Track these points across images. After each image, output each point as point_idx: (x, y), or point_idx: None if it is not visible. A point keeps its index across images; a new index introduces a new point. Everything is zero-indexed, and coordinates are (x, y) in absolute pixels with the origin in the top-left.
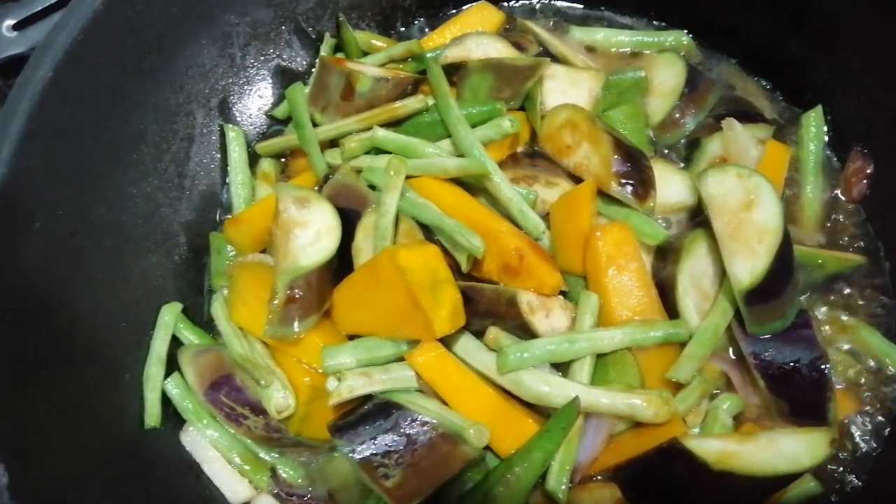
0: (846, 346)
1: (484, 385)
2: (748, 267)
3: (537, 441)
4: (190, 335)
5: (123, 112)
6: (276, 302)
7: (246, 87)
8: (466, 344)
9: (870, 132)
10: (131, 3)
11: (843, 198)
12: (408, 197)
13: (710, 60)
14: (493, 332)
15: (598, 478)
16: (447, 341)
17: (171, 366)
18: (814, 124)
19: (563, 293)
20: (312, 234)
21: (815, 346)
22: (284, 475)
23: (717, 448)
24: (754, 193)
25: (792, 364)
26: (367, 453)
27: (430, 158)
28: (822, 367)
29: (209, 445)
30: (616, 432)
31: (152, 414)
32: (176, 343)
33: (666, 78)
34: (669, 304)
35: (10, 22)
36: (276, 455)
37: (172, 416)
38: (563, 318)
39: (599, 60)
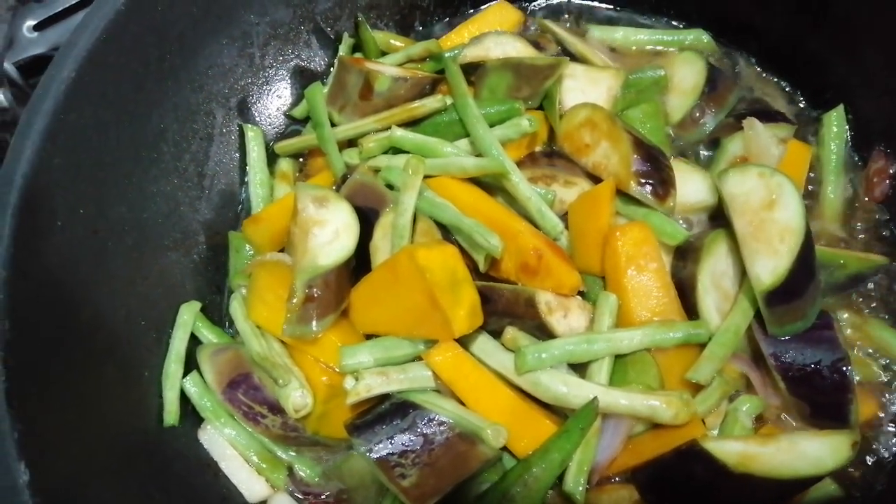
0: (868, 348)
1: (501, 385)
2: (769, 267)
3: (555, 442)
4: (209, 334)
5: (144, 111)
6: (294, 301)
7: (265, 86)
8: (484, 344)
9: (892, 131)
10: (153, 3)
11: (865, 198)
12: (426, 196)
13: (729, 59)
14: (511, 332)
15: (617, 479)
16: (464, 341)
17: (190, 364)
18: (835, 123)
19: (581, 293)
20: (331, 233)
21: (837, 347)
22: (301, 474)
23: (737, 450)
24: (776, 193)
25: (813, 365)
26: (384, 452)
27: (449, 158)
28: (844, 368)
29: (227, 444)
30: (635, 433)
31: (171, 412)
32: (195, 341)
33: (686, 76)
34: (689, 304)
35: (31, 22)
36: (294, 454)
37: (191, 415)
38: (582, 319)
39: (619, 59)
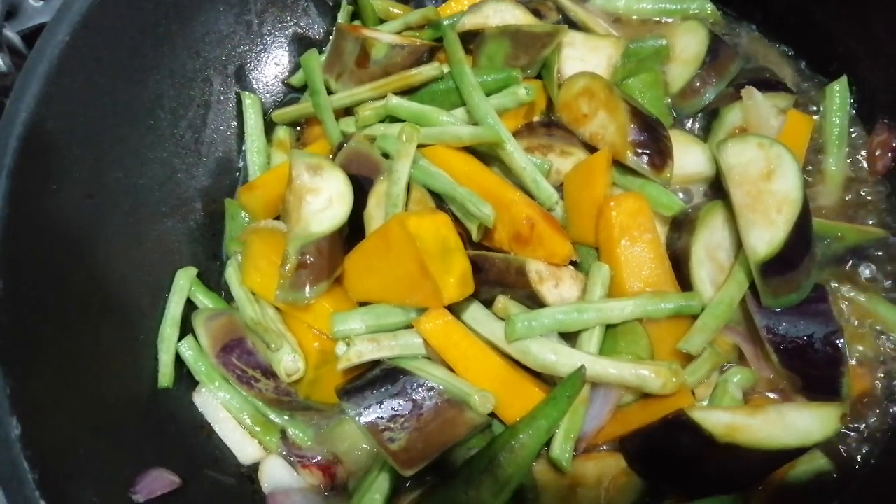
0: (865, 322)
1: (491, 353)
2: (766, 238)
3: (543, 409)
4: (204, 299)
5: (140, 77)
6: (287, 267)
7: (263, 54)
8: (475, 312)
9: None
10: None
11: (867, 171)
12: (420, 165)
13: (733, 28)
14: (502, 301)
15: (605, 448)
16: (456, 309)
17: (186, 329)
18: (838, 95)
19: (575, 264)
20: (324, 200)
21: (831, 320)
22: (294, 437)
23: (724, 421)
24: (775, 163)
25: (806, 338)
26: (374, 417)
27: (444, 126)
28: (837, 341)
29: (221, 407)
30: (624, 403)
31: (165, 374)
32: (191, 307)
33: (688, 45)
34: (683, 276)
35: None
36: (287, 418)
37: (185, 377)
38: (574, 289)
39: (621, 28)
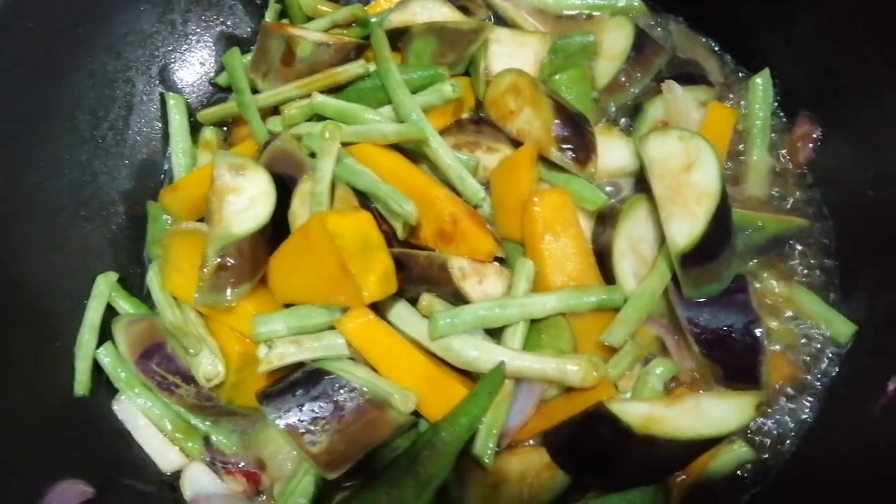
0: (787, 311)
1: (414, 351)
2: (686, 229)
3: (464, 406)
4: (125, 304)
5: (58, 78)
6: (206, 270)
7: (188, 53)
8: (401, 311)
9: (817, 97)
10: None
11: (789, 162)
12: (345, 163)
13: (660, 22)
14: (427, 299)
15: (530, 442)
16: (381, 308)
17: (106, 335)
18: (761, 88)
19: (501, 260)
20: (246, 200)
21: (750, 310)
22: (217, 443)
23: (642, 412)
24: (694, 155)
25: (726, 328)
26: (293, 420)
27: (369, 124)
28: (756, 331)
29: (141, 414)
30: (548, 397)
31: (82, 382)
32: (114, 313)
33: (615, 41)
34: (608, 270)
35: None
36: (210, 423)
37: (105, 385)
38: (498, 285)
39: (550, 24)
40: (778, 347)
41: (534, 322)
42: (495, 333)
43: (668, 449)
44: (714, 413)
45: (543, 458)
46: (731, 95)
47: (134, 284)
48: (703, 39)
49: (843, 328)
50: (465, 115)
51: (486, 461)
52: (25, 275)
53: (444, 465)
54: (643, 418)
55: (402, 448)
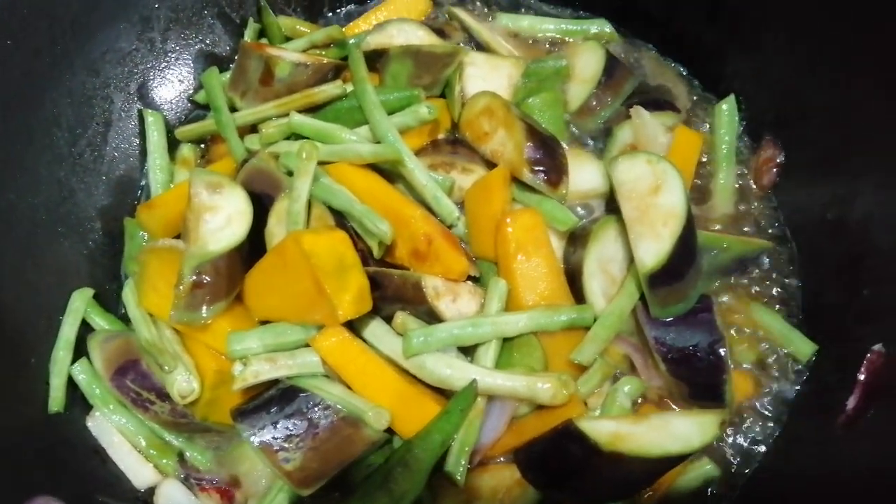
0: (749, 330)
1: (388, 369)
2: (653, 250)
3: (436, 423)
4: (101, 321)
5: (36, 95)
6: (181, 287)
7: (167, 71)
8: (376, 329)
9: (781, 121)
10: None
11: (754, 185)
12: (322, 182)
13: (631, 49)
14: (401, 317)
15: (501, 459)
16: (356, 326)
17: (82, 352)
18: (726, 113)
19: (475, 279)
20: (223, 219)
21: (715, 329)
22: (192, 460)
23: (609, 429)
24: (661, 178)
25: (691, 348)
26: (268, 437)
27: (346, 144)
28: (720, 350)
29: (115, 430)
30: (520, 415)
31: (56, 398)
32: (88, 329)
33: (587, 65)
34: (578, 289)
35: None
36: (184, 440)
37: (80, 401)
38: (472, 304)
39: (524, 48)
40: (742, 366)
41: (506, 340)
42: (468, 351)
43: (636, 465)
44: (680, 430)
45: (514, 474)
46: (700, 120)
47: (110, 301)
48: (673, 65)
49: (804, 347)
50: (440, 136)
51: (458, 478)
52: (2, 291)
53: (418, 482)
54: (611, 436)
55: (375, 465)
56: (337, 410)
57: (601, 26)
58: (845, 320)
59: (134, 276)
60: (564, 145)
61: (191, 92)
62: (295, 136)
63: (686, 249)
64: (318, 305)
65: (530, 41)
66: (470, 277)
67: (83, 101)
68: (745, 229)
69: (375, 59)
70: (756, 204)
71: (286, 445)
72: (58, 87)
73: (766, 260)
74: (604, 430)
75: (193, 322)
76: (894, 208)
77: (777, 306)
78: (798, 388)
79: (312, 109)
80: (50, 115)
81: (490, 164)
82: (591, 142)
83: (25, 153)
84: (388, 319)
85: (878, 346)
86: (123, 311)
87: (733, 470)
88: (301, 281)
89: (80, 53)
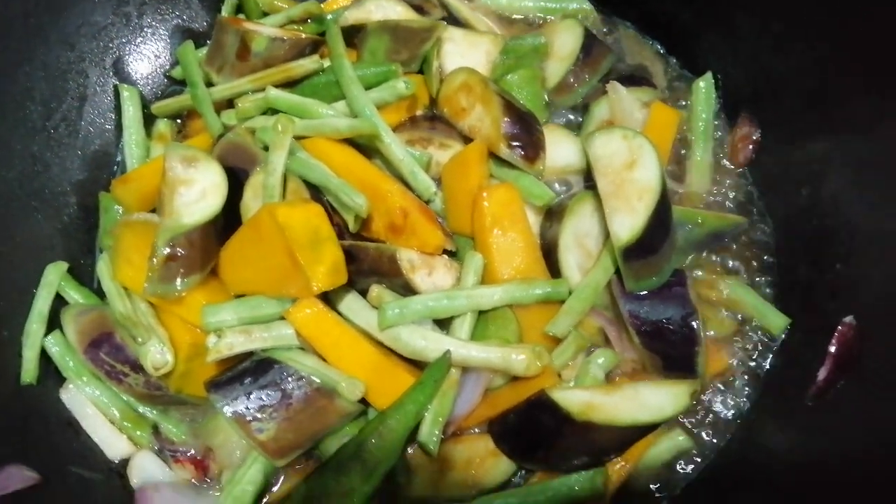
0: (723, 304)
1: (363, 341)
2: (627, 224)
3: (410, 394)
4: (75, 294)
5: (9, 69)
6: (155, 259)
7: (143, 46)
8: (352, 303)
9: (757, 98)
10: None
11: (730, 162)
12: (298, 157)
13: (610, 27)
14: (377, 290)
15: (476, 431)
16: (332, 300)
17: (56, 325)
18: (703, 90)
19: (452, 254)
20: (197, 192)
21: (688, 303)
22: (166, 432)
23: (581, 399)
24: (637, 154)
25: (665, 321)
26: (241, 408)
27: (323, 119)
28: (693, 322)
29: (89, 403)
30: (494, 387)
31: (28, 370)
32: (62, 302)
33: (565, 42)
34: (554, 264)
35: None
36: (158, 412)
37: (53, 374)
38: (448, 278)
39: (504, 26)
40: (715, 339)
41: (482, 314)
42: (444, 325)
43: (607, 434)
44: (650, 400)
45: (489, 445)
46: (677, 99)
47: (85, 275)
48: (651, 43)
49: (777, 321)
50: (418, 112)
51: (431, 448)
52: None
53: (392, 452)
54: (583, 405)
55: (350, 436)
56: (311, 381)
57: (580, 3)
58: (817, 295)
59: (108, 250)
60: (542, 122)
61: (167, 67)
62: (272, 111)
63: (660, 223)
64: (293, 278)
65: (510, 18)
66: (447, 252)
67: (57, 74)
68: (720, 205)
69: (353, 35)
70: (731, 180)
71: (259, 416)
72: (31, 61)
73: (741, 235)
74: (576, 399)
75: (167, 294)
76: (866, 185)
77: (751, 280)
78: (770, 360)
79: (289, 85)
80: (23, 89)
81: (468, 141)
82: (569, 118)
83: None
84: (364, 293)
85: (848, 319)
86: (98, 285)
87: (704, 441)
88: (275, 254)
89: (55, 27)
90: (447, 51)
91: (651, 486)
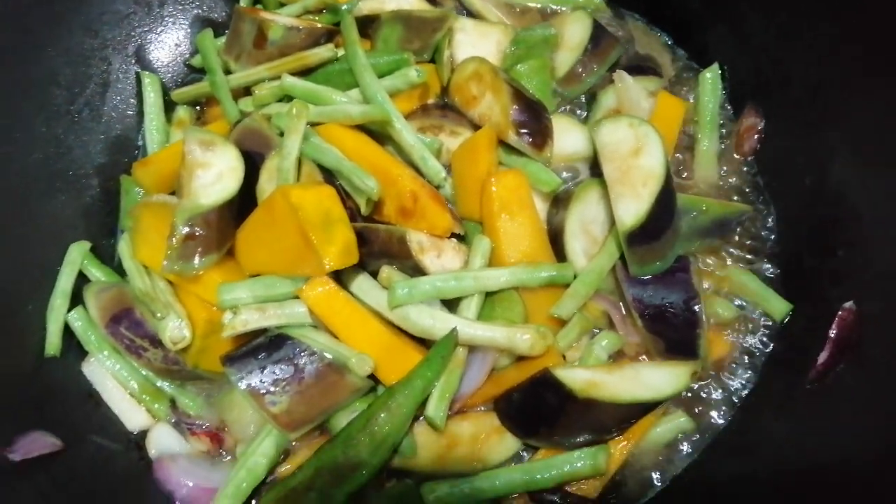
0: (726, 289)
1: (373, 319)
2: (632, 209)
3: (418, 370)
4: (97, 272)
5: (33, 54)
6: (174, 238)
7: (163, 35)
8: (362, 283)
9: (763, 89)
10: None
11: (736, 152)
12: (312, 142)
13: (619, 18)
14: (387, 271)
15: (482, 408)
16: (344, 280)
17: (77, 302)
18: (710, 81)
19: (461, 237)
20: (214, 175)
21: (690, 287)
22: (183, 405)
23: (584, 378)
24: (642, 141)
25: (667, 304)
26: (255, 381)
27: (337, 105)
28: (695, 306)
29: (109, 376)
30: (500, 366)
31: (52, 343)
32: (84, 280)
33: (574, 33)
34: (560, 249)
35: None
36: (176, 386)
37: (75, 348)
38: (456, 260)
39: (514, 17)
40: (717, 324)
41: (488, 295)
42: (452, 306)
43: (608, 412)
44: (651, 380)
45: (494, 421)
46: (685, 89)
47: (106, 255)
48: (659, 35)
49: (779, 306)
50: (430, 101)
51: (438, 423)
52: None
53: (399, 427)
54: (585, 383)
55: (359, 411)
56: (323, 357)
57: None
58: (820, 281)
59: (129, 231)
60: (551, 110)
61: (187, 56)
62: (287, 98)
63: (664, 209)
64: (306, 258)
65: (520, 10)
66: (455, 236)
67: (80, 60)
68: (726, 194)
69: (367, 25)
70: (736, 169)
71: (273, 389)
72: (55, 46)
73: (746, 223)
74: (579, 377)
75: (185, 272)
76: (869, 174)
77: (754, 267)
78: (772, 345)
79: (304, 73)
80: (47, 73)
81: (478, 128)
82: (576, 107)
83: (23, 109)
84: (375, 275)
85: (849, 304)
86: (118, 264)
87: (706, 423)
88: (289, 234)
89: (78, 13)
90: (458, 40)
91: (652, 465)
